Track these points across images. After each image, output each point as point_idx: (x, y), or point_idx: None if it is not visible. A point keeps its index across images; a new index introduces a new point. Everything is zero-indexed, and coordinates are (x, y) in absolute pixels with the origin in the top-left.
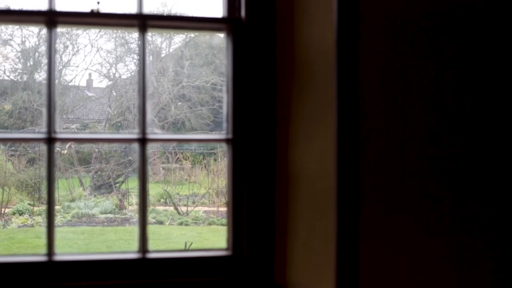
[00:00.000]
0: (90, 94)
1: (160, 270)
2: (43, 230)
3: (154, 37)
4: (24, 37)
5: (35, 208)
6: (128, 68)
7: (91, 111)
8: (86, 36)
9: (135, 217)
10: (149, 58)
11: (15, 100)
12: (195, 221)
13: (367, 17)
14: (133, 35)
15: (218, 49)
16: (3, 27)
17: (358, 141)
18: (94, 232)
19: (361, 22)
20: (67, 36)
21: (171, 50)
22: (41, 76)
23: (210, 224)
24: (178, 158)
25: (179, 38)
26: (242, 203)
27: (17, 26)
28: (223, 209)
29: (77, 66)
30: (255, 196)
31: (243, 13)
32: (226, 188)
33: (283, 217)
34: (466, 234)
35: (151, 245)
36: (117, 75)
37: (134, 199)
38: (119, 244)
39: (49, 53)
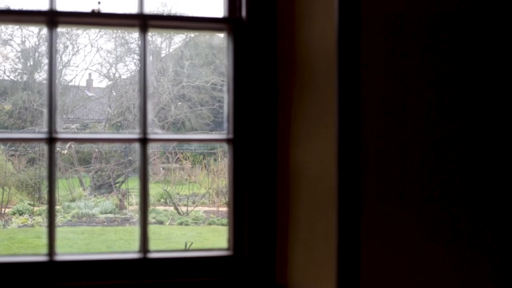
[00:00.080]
0: (90, 94)
1: (161, 270)
2: (43, 230)
3: (154, 37)
4: (24, 37)
5: (35, 208)
6: (128, 68)
7: (91, 111)
8: (86, 36)
9: (135, 217)
10: (149, 58)
11: (15, 100)
12: (195, 221)
13: (368, 17)
14: (133, 35)
15: (218, 49)
16: (3, 27)
17: (359, 141)
18: (94, 232)
19: (362, 22)
20: (67, 36)
21: (171, 50)
22: (41, 76)
23: (210, 224)
24: (178, 158)
25: (179, 38)
26: (243, 203)
27: (17, 26)
28: (223, 209)
29: (77, 66)
30: (256, 196)
31: (244, 13)
32: (226, 188)
33: (284, 217)
34: (466, 234)
35: (151, 245)
36: (117, 75)
37: (134, 199)
38: (119, 244)
39: (50, 53)
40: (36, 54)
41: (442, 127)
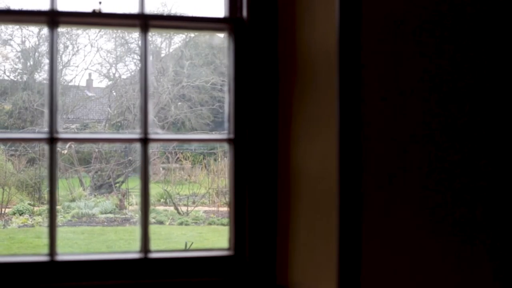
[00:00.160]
0: (90, 94)
1: (162, 270)
2: (43, 230)
3: (154, 37)
4: (24, 37)
5: (35, 208)
6: (128, 68)
7: (91, 111)
8: (86, 36)
9: (135, 217)
10: (149, 58)
11: (15, 100)
12: (195, 221)
13: (368, 17)
14: (133, 35)
15: (218, 49)
16: (3, 27)
17: (360, 141)
18: (94, 232)
19: (363, 22)
20: (67, 36)
21: (171, 50)
22: (41, 76)
23: (210, 224)
24: (178, 158)
25: (179, 38)
26: (244, 203)
27: (17, 26)
28: (223, 209)
29: (77, 66)
30: (257, 196)
31: (244, 13)
32: (226, 188)
33: (285, 217)
34: (467, 234)
35: (151, 245)
36: (117, 75)
37: (134, 199)
38: (120, 244)
39: (51, 53)
40: (36, 54)
41: (442, 127)
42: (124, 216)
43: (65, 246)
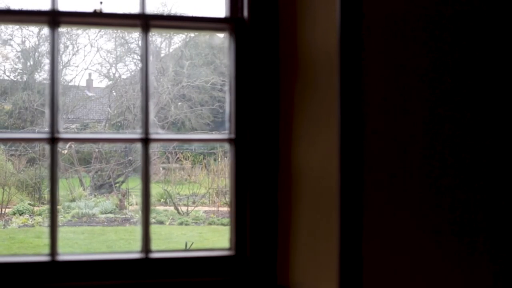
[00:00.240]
0: (90, 94)
1: (163, 270)
2: (43, 230)
3: (154, 37)
4: (24, 37)
5: (36, 208)
6: (128, 68)
7: (91, 111)
8: (86, 36)
9: (136, 217)
10: (150, 58)
11: (15, 100)
12: (195, 221)
13: (370, 17)
14: (133, 35)
15: (218, 49)
16: (3, 27)
17: (361, 141)
18: (95, 232)
19: (364, 21)
20: (67, 36)
21: (171, 50)
22: (41, 76)
23: (210, 224)
24: (178, 158)
25: (178, 38)
26: (245, 203)
27: (17, 26)
28: (223, 209)
29: (77, 66)
30: (258, 196)
31: (245, 13)
32: (227, 188)
33: (286, 217)
34: (467, 234)
35: (151, 245)
36: (117, 75)
37: (134, 199)
38: (120, 244)
39: (52, 53)
40: (36, 54)
41: (443, 127)
42: (124, 216)
43: (65, 246)
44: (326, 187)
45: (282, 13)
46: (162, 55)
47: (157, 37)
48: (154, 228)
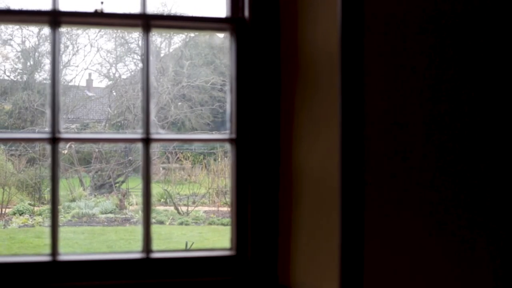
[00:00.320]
0: (90, 94)
1: (164, 270)
2: (43, 230)
3: (154, 37)
4: (24, 37)
5: (36, 208)
6: (128, 68)
7: (91, 111)
8: (86, 36)
9: (136, 217)
10: (151, 58)
11: (15, 100)
12: (195, 221)
13: (371, 17)
14: (133, 35)
15: (218, 49)
16: (3, 27)
17: (362, 141)
18: (95, 232)
19: (366, 21)
20: (67, 36)
21: (170, 50)
22: (41, 76)
23: (210, 224)
24: (178, 158)
25: (178, 38)
26: (246, 203)
27: (17, 26)
28: (223, 209)
29: (77, 66)
30: (259, 196)
31: (246, 13)
32: (227, 188)
33: (287, 217)
34: (467, 234)
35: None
36: (117, 75)
37: (134, 199)
38: (120, 244)
39: (53, 54)
40: (36, 54)
41: (444, 127)
42: (124, 216)
43: (65, 246)
44: (327, 187)
45: (283, 13)
46: (162, 55)
47: (157, 37)
48: (154, 228)
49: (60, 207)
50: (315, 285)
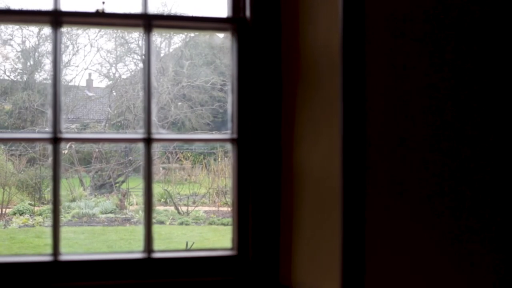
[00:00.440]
0: (90, 94)
1: (165, 270)
2: (43, 230)
3: (154, 37)
4: (24, 37)
5: (36, 208)
6: (128, 68)
7: (91, 111)
8: (86, 36)
9: (136, 217)
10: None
11: (15, 100)
12: (195, 220)
13: (372, 17)
14: (133, 35)
15: (218, 49)
16: (3, 27)
17: (363, 141)
18: (95, 232)
19: (366, 21)
20: (67, 36)
21: (170, 50)
22: (41, 76)
23: (210, 224)
24: (178, 158)
25: (178, 38)
26: (247, 203)
27: (17, 26)
28: (224, 208)
29: (77, 66)
30: (260, 196)
31: (248, 13)
32: (227, 188)
33: (288, 217)
34: (468, 234)
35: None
36: (117, 75)
37: (134, 198)
38: (120, 244)
39: (54, 54)
40: (36, 54)
41: (445, 127)
42: (124, 216)
43: (65, 246)
44: (328, 187)
45: (284, 13)
46: (162, 55)
47: (157, 37)
48: (154, 228)
49: (60, 207)
50: (317, 285)
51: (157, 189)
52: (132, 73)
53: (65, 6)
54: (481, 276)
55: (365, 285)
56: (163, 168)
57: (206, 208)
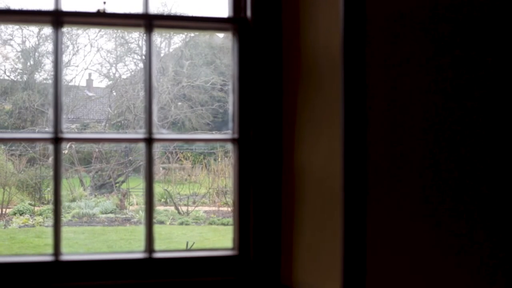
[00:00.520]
0: (90, 94)
1: (166, 270)
2: (43, 230)
3: (154, 37)
4: (24, 37)
5: (36, 208)
6: (128, 68)
7: (91, 111)
8: (86, 36)
9: (136, 216)
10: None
11: (15, 100)
12: (195, 220)
13: (373, 17)
14: (133, 35)
15: (218, 49)
16: (3, 27)
17: (364, 141)
18: (95, 232)
19: (367, 22)
20: (67, 36)
21: (170, 50)
22: (41, 76)
23: (210, 223)
24: (178, 158)
25: (178, 38)
26: (248, 203)
27: (17, 26)
28: (224, 208)
29: (77, 66)
30: (261, 196)
31: (249, 13)
32: (227, 188)
33: (289, 217)
34: (469, 234)
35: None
36: (117, 75)
37: (135, 198)
38: (120, 244)
39: (55, 54)
40: (36, 54)
41: (446, 127)
42: (124, 216)
43: (66, 246)
44: (329, 187)
45: (285, 13)
46: (162, 55)
47: (157, 37)
48: (154, 228)
49: (61, 207)
50: (318, 285)
51: (157, 189)
52: (132, 73)
53: (66, 6)
54: (481, 276)
55: (366, 285)
56: (163, 168)
57: (206, 208)
